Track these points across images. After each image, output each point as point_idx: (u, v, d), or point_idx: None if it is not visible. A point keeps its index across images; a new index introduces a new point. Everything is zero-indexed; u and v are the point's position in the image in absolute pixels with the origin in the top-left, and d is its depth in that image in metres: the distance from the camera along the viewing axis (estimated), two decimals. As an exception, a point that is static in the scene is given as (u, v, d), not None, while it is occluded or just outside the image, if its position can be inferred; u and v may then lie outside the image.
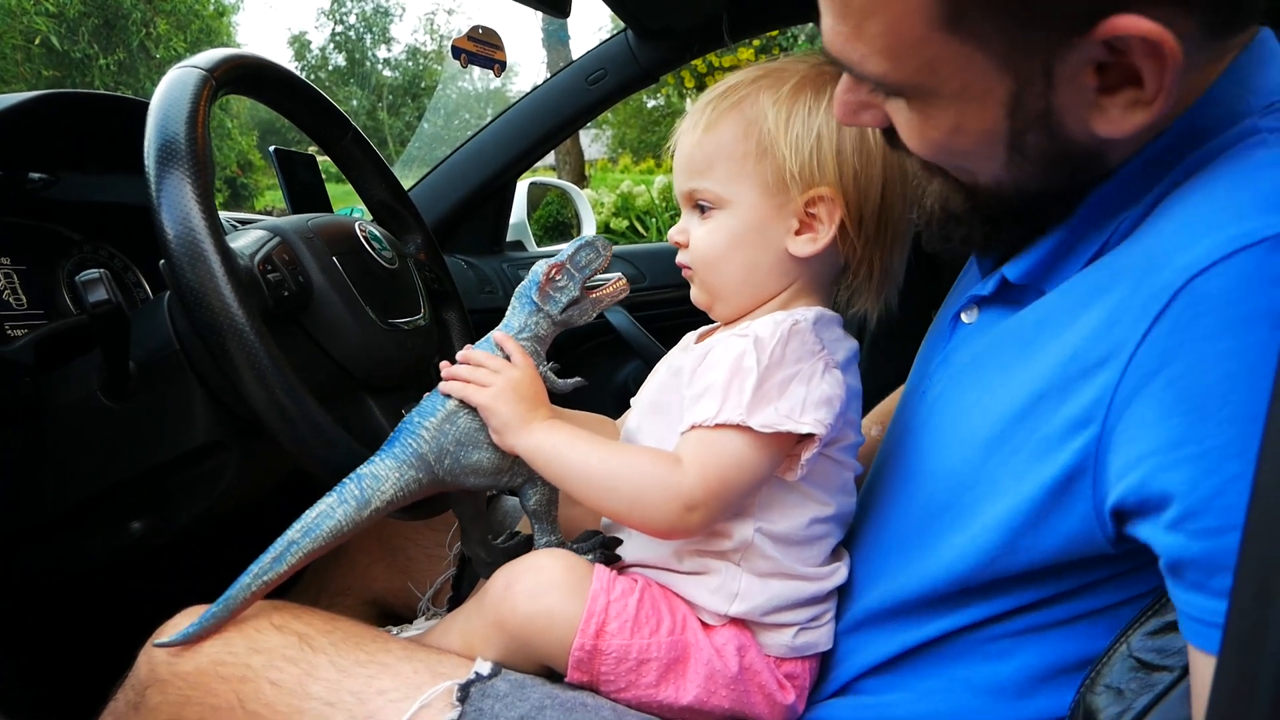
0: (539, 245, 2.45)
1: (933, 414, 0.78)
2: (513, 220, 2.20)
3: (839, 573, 0.82)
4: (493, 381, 0.83)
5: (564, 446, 0.79)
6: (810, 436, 0.74)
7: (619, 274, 0.91)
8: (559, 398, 0.90)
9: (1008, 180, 0.67)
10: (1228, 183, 0.59)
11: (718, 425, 0.73)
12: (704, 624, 0.80)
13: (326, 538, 0.81)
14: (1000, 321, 0.75)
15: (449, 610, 1.10)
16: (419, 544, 1.16)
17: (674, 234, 0.86)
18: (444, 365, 0.87)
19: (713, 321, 0.90)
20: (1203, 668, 0.56)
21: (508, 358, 0.86)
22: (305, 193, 1.35)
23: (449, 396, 0.85)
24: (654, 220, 7.66)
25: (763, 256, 0.82)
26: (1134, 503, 0.58)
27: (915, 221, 0.79)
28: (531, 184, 2.60)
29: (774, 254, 0.81)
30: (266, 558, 0.80)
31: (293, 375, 0.80)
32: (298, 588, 1.21)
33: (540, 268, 0.87)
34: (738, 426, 0.72)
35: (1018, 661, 0.72)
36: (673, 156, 0.86)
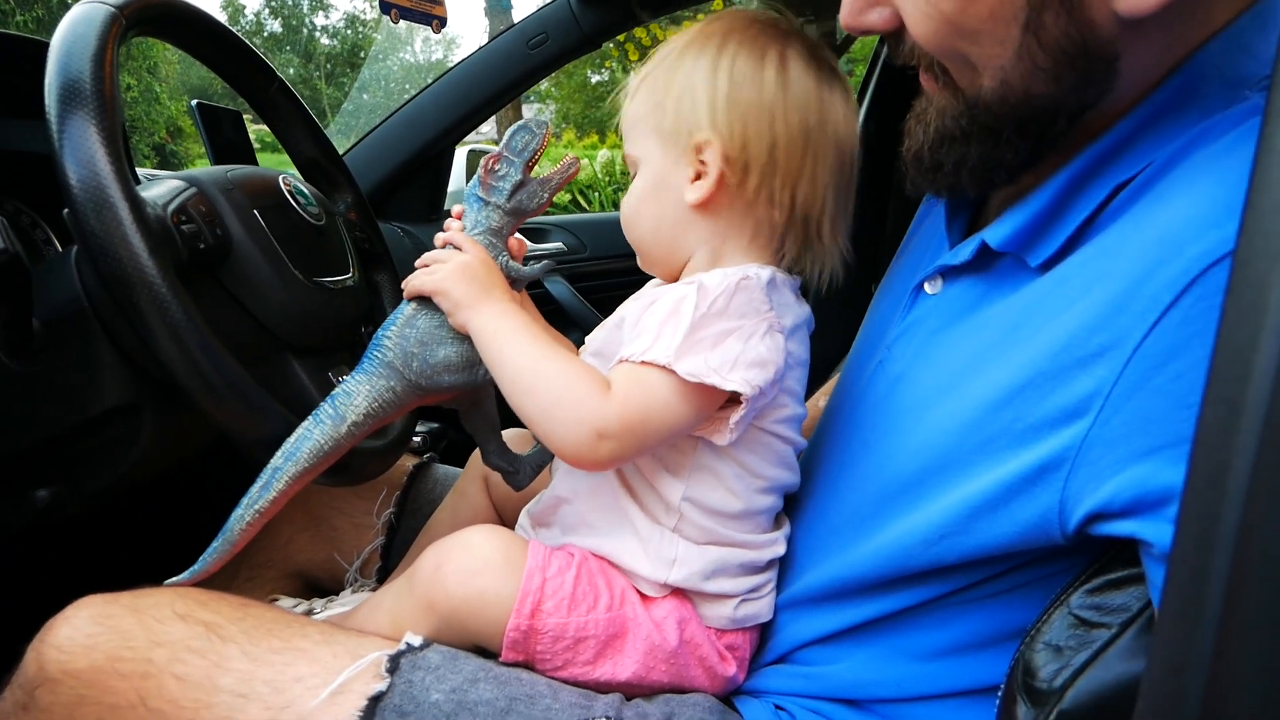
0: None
1: (894, 391, 0.75)
2: (451, 188, 2.15)
3: (779, 544, 0.81)
4: (441, 267, 0.82)
5: (506, 331, 0.77)
6: (737, 399, 0.71)
7: (570, 155, 0.89)
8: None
9: (1015, 78, 0.62)
10: (1240, 169, 0.56)
11: (644, 362, 0.70)
12: (644, 597, 0.78)
13: (309, 459, 0.79)
14: (974, 295, 0.72)
15: (378, 581, 1.07)
16: (345, 513, 1.12)
17: None
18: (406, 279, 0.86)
19: None
20: None
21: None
22: (230, 151, 1.29)
23: (409, 302, 0.84)
24: (596, 194, 7.61)
25: (667, 210, 0.80)
26: (1128, 501, 0.56)
27: (902, 160, 0.75)
28: (471, 151, 2.56)
29: (676, 207, 0.79)
30: (255, 487, 0.79)
31: (208, 330, 0.76)
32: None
33: (480, 161, 0.86)
34: (663, 368, 0.70)
35: (957, 630, 0.71)
36: None
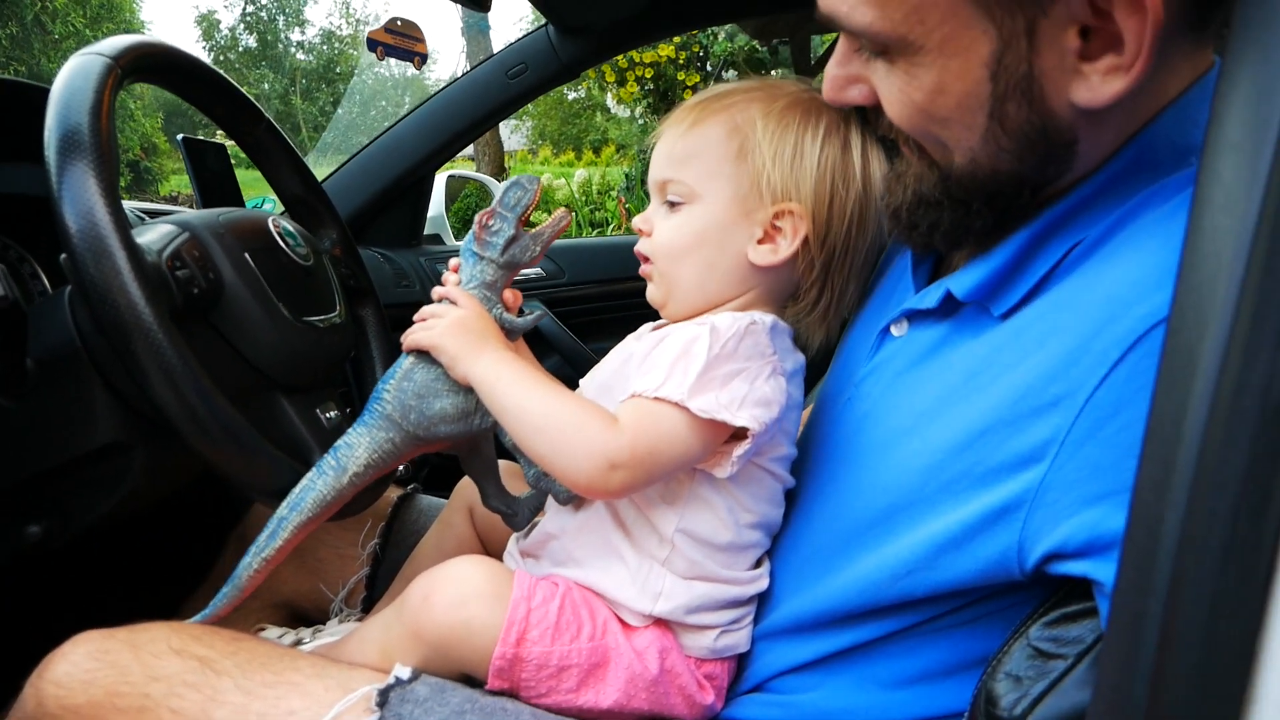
0: (457, 239, 2.43)
1: (862, 429, 0.79)
2: (431, 213, 2.17)
3: (761, 580, 0.83)
4: (438, 322, 0.84)
5: (508, 378, 0.79)
6: (744, 434, 0.75)
7: (562, 209, 0.92)
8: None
9: (983, 157, 0.66)
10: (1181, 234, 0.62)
11: (657, 399, 0.74)
12: (626, 626, 0.81)
13: (312, 509, 0.83)
14: (937, 339, 0.75)
15: (363, 611, 1.09)
16: (329, 544, 1.14)
17: (638, 221, 0.88)
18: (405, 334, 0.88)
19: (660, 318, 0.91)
20: None
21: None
22: (215, 183, 1.31)
23: (407, 356, 0.86)
24: (573, 214, 7.63)
25: (721, 259, 0.83)
26: (1082, 543, 0.59)
27: (881, 212, 0.80)
28: (450, 176, 2.58)
29: (733, 258, 0.83)
30: (262, 536, 0.83)
31: (203, 374, 0.78)
32: (201, 593, 1.18)
33: (475, 218, 0.88)
34: (676, 405, 0.73)
35: (924, 659, 0.74)
36: (650, 151, 0.88)
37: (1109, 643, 0.45)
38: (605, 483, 0.73)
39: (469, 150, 11.29)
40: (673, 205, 0.85)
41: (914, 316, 0.79)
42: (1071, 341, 0.62)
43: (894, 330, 0.80)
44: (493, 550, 1.02)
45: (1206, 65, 0.66)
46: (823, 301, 0.86)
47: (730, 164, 0.82)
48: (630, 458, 0.73)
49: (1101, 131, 0.65)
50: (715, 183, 0.82)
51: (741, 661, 0.85)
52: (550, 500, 0.89)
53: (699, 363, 0.74)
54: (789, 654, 0.81)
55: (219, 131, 1.21)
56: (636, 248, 0.88)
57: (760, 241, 0.82)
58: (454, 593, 0.79)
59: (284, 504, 0.83)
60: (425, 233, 2.17)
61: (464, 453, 0.94)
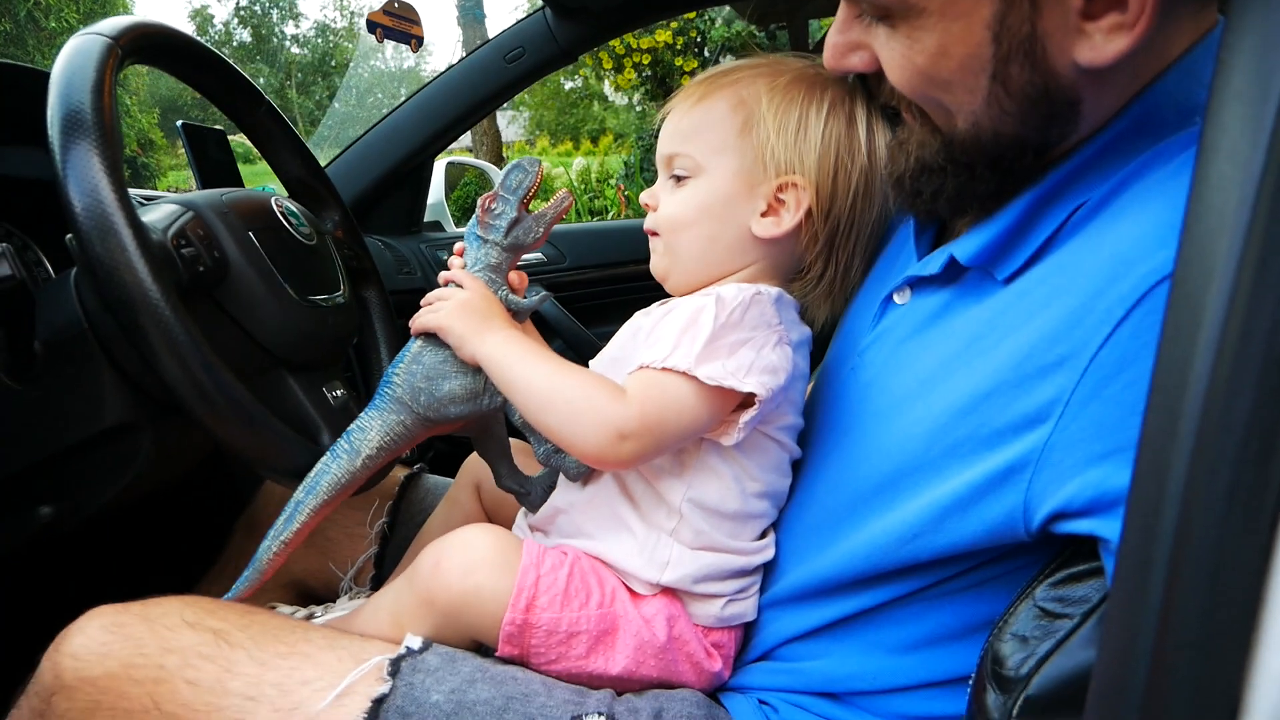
0: (457, 226, 2.43)
1: (866, 397, 0.79)
2: (430, 200, 2.17)
3: (767, 550, 0.84)
4: (444, 305, 0.85)
5: (515, 355, 0.80)
6: (751, 401, 0.75)
7: (564, 189, 0.93)
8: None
9: (985, 121, 0.66)
10: (1184, 192, 0.61)
11: (664, 369, 0.74)
12: (634, 594, 0.82)
13: (328, 491, 0.85)
14: (941, 305, 0.75)
15: (372, 588, 1.10)
16: (338, 524, 1.15)
17: (645, 197, 0.89)
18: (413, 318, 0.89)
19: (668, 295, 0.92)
20: None
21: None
22: (215, 170, 1.31)
23: (415, 339, 0.88)
24: (574, 199, 7.62)
25: (725, 230, 0.84)
26: (1087, 501, 0.60)
27: (885, 182, 0.80)
28: (449, 164, 2.58)
29: (736, 230, 0.84)
30: (280, 519, 0.85)
31: (210, 351, 0.79)
32: (212, 573, 1.18)
33: (479, 202, 0.89)
34: (683, 374, 0.74)
35: (930, 623, 0.75)
36: (659, 127, 0.89)
37: (1114, 597, 0.45)
38: (616, 453, 0.74)
39: (466, 140, 11.28)
40: (679, 179, 0.86)
41: (917, 284, 0.79)
42: (1075, 301, 0.62)
43: (897, 298, 0.81)
44: (501, 526, 1.02)
45: (1210, 24, 0.66)
46: (827, 275, 0.86)
47: (735, 137, 0.83)
48: (639, 427, 0.73)
49: (1104, 91, 0.65)
50: (720, 156, 0.83)
51: (748, 630, 0.86)
52: (559, 475, 0.89)
53: (705, 331, 0.75)
54: (796, 622, 0.81)
55: (220, 123, 1.21)
56: (646, 223, 0.89)
57: (764, 214, 0.83)
58: (464, 559, 0.80)
59: (299, 488, 0.85)
60: (425, 219, 2.16)
61: (475, 434, 0.95)
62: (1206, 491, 0.41)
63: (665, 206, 0.87)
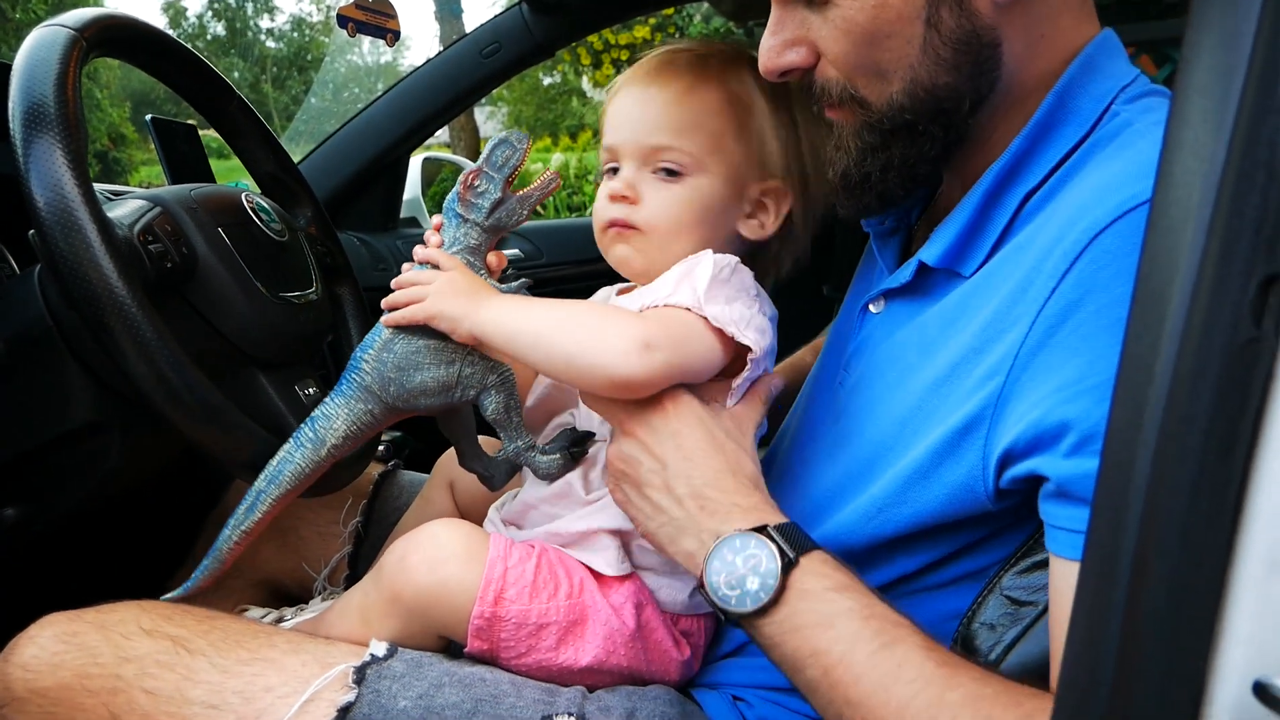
0: (434, 221, 2.41)
1: (852, 399, 0.80)
2: (407, 196, 2.16)
3: None
4: (426, 291, 0.79)
5: (518, 311, 0.76)
6: (741, 366, 0.76)
7: (551, 169, 0.87)
8: None
9: (923, 73, 0.70)
10: (1118, 163, 0.65)
11: (669, 305, 0.75)
12: (602, 583, 0.81)
13: (290, 481, 0.82)
14: (913, 309, 0.77)
15: (345, 589, 1.09)
16: (311, 523, 1.14)
17: (619, 187, 0.83)
18: (385, 301, 0.83)
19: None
20: (1068, 574, 0.58)
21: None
22: (185, 164, 1.30)
23: (384, 324, 0.82)
24: (550, 199, 7.61)
25: (717, 234, 0.84)
26: (1030, 439, 0.61)
27: (832, 188, 0.80)
28: (426, 159, 2.56)
29: (725, 234, 0.84)
30: (240, 509, 0.82)
31: (177, 348, 0.78)
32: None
33: (460, 177, 0.84)
34: (690, 310, 0.74)
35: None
36: (611, 100, 0.87)
37: (1082, 582, 0.45)
38: (645, 364, 0.70)
39: (444, 136, 11.23)
40: (669, 175, 0.82)
41: (890, 294, 0.81)
42: (1029, 266, 0.65)
43: (872, 308, 0.83)
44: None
45: (1092, 33, 0.73)
46: (777, 267, 0.89)
47: (729, 139, 0.82)
48: (665, 338, 0.71)
49: (1015, 38, 0.71)
50: (716, 156, 0.82)
51: (720, 625, 0.86)
52: (527, 472, 0.88)
53: (705, 277, 0.75)
54: None
55: (192, 118, 1.20)
56: (615, 214, 0.84)
57: (748, 216, 0.84)
58: (430, 554, 0.79)
59: (261, 477, 0.82)
60: (401, 216, 2.15)
61: (440, 413, 0.91)
62: (1182, 422, 0.40)
63: (656, 205, 0.82)
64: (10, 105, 0.78)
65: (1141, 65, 0.76)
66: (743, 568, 0.64)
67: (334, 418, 0.82)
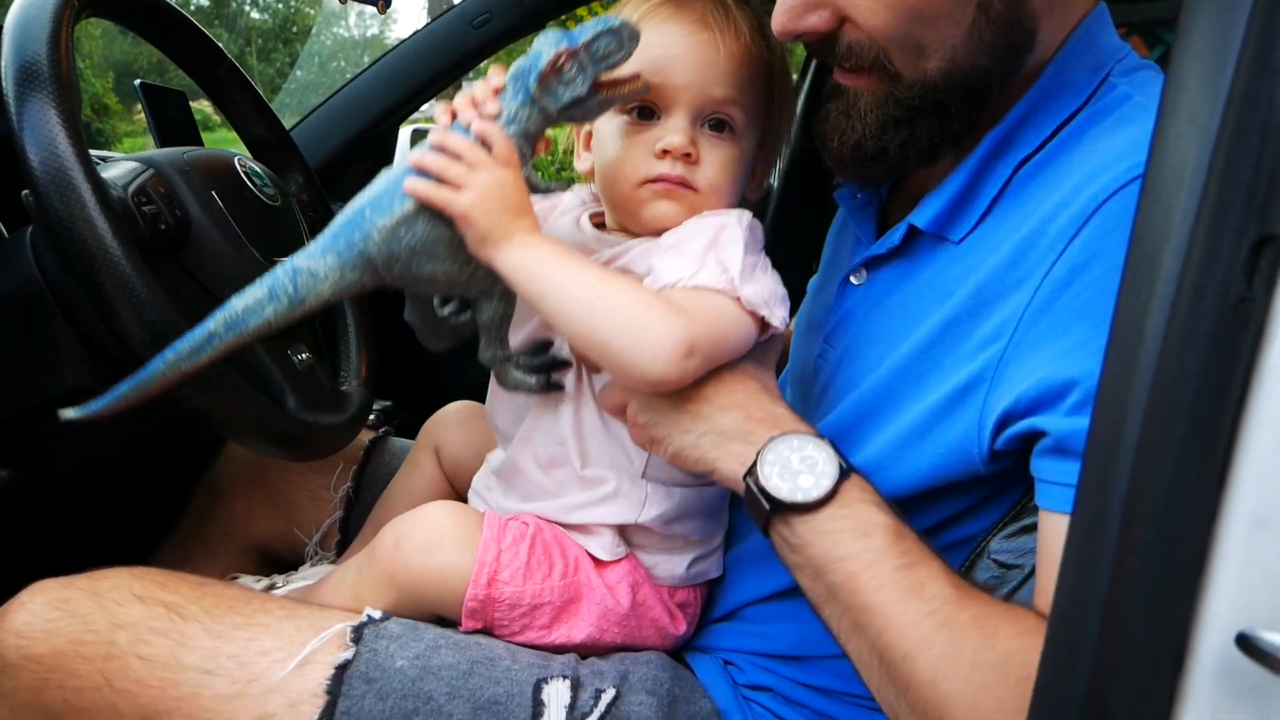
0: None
1: (839, 371, 0.80)
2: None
3: None
4: (470, 183, 0.69)
5: (550, 266, 0.69)
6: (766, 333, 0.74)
7: (637, 71, 0.75)
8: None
9: (964, 54, 0.68)
10: (1126, 132, 0.65)
11: (698, 286, 0.70)
12: (597, 563, 0.81)
13: (252, 334, 0.72)
14: (899, 276, 0.77)
15: (337, 553, 1.09)
16: (302, 488, 1.14)
17: (680, 142, 0.77)
18: (411, 155, 0.72)
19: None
20: (1058, 527, 0.59)
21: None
22: (175, 131, 1.28)
23: (410, 195, 0.70)
24: (539, 175, 7.57)
25: (736, 196, 0.83)
26: (1032, 398, 0.62)
27: (831, 156, 0.78)
28: (415, 131, 2.54)
29: (741, 193, 0.84)
30: (185, 346, 0.71)
31: (171, 309, 0.77)
32: (173, 539, 1.17)
33: (545, 49, 0.71)
34: (722, 292, 0.70)
35: None
36: (654, 32, 0.76)
37: (1070, 540, 0.46)
38: (681, 370, 0.67)
39: (432, 110, 11.11)
40: (716, 129, 0.78)
41: (872, 263, 0.81)
42: (1031, 229, 0.66)
43: (853, 279, 0.83)
44: (460, 489, 1.02)
45: (1090, 6, 0.73)
46: None
47: (766, 99, 0.81)
48: (707, 343, 0.68)
49: (1049, 23, 0.71)
50: (761, 117, 0.82)
51: (713, 588, 0.87)
52: (508, 436, 0.86)
53: (738, 251, 0.72)
54: (760, 582, 0.82)
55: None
56: (669, 171, 0.77)
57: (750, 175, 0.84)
58: (424, 537, 0.79)
59: (219, 320, 0.72)
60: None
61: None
62: (1175, 395, 0.41)
63: (713, 164, 0.78)
64: (2, 65, 0.77)
65: (1133, 46, 0.76)
66: (798, 465, 0.65)
67: (321, 280, 0.72)
